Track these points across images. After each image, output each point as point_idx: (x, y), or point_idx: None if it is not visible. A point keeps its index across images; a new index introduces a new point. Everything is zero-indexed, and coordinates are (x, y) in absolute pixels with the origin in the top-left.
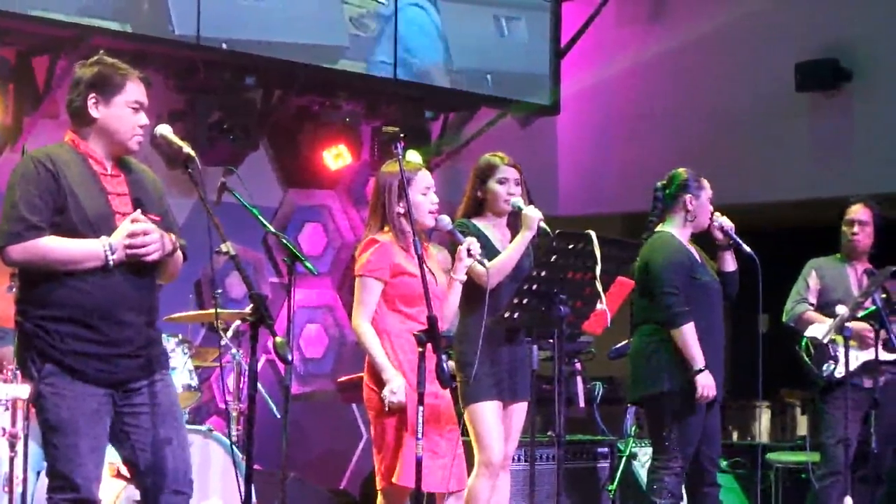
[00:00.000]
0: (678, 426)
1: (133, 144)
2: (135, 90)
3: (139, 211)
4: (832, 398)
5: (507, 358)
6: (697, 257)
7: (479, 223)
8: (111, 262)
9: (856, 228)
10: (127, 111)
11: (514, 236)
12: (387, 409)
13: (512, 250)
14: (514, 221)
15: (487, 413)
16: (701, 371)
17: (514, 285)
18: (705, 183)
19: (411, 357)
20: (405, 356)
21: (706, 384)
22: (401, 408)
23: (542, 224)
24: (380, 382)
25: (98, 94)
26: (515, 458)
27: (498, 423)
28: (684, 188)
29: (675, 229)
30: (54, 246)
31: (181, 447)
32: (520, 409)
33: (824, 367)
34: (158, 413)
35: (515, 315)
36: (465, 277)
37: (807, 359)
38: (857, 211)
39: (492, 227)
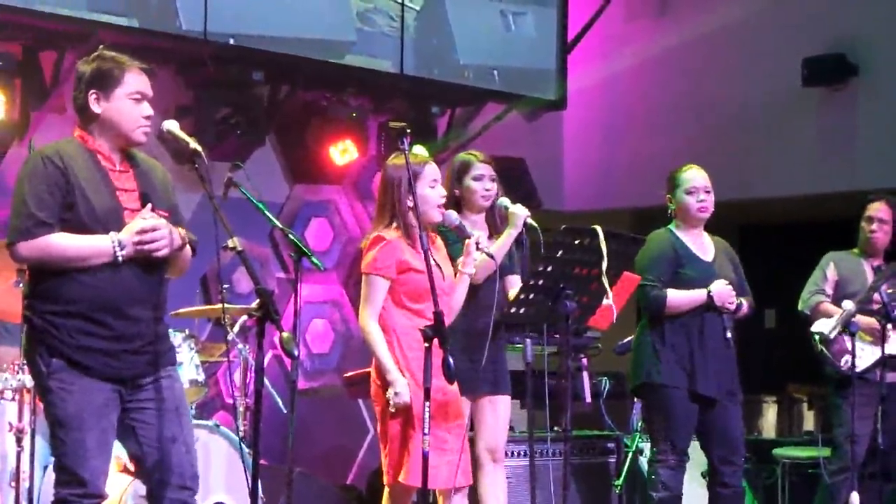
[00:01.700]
0: (663, 418)
1: (138, 136)
2: (134, 81)
3: (149, 207)
4: (847, 394)
5: (484, 353)
6: (702, 253)
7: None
8: (120, 259)
9: (875, 226)
10: (128, 103)
11: (491, 234)
12: (392, 409)
13: (497, 247)
14: (492, 220)
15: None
16: (709, 291)
17: (491, 284)
18: (683, 178)
19: (418, 354)
20: (412, 353)
21: (718, 291)
22: (406, 408)
23: (529, 220)
24: (386, 380)
25: (98, 90)
26: (518, 454)
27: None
28: (665, 187)
29: (674, 226)
30: (63, 243)
31: (187, 443)
32: (503, 402)
33: (842, 361)
34: (165, 409)
35: (521, 310)
36: (473, 271)
37: (826, 351)
38: (878, 208)
39: (471, 226)
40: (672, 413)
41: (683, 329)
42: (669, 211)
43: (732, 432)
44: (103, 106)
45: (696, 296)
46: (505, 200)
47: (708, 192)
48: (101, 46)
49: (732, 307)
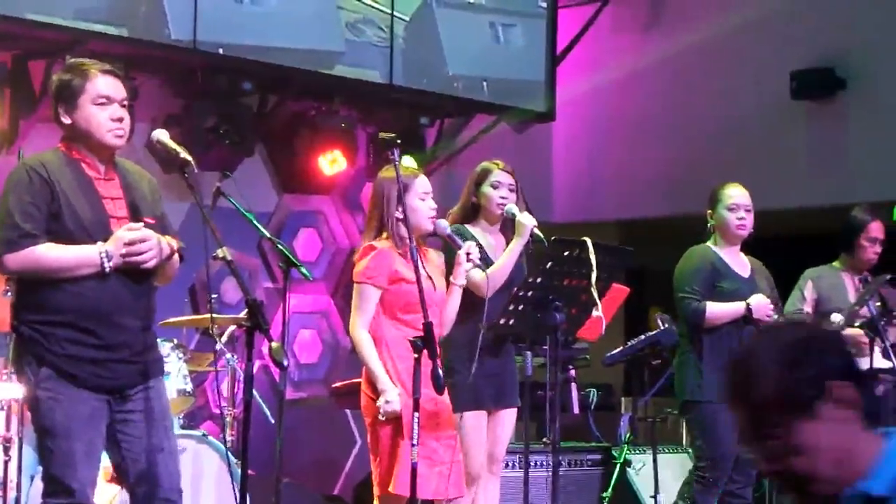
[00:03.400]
0: (705, 435)
1: (111, 139)
2: (98, 86)
3: (141, 223)
4: None
5: (492, 366)
6: (739, 269)
7: (472, 229)
8: (107, 269)
9: (877, 247)
10: (93, 109)
11: (507, 243)
12: (382, 417)
13: (506, 258)
14: (507, 229)
15: (470, 423)
16: (748, 304)
17: (502, 294)
18: (725, 194)
19: (409, 365)
20: (402, 364)
21: (756, 304)
22: (396, 417)
23: (536, 231)
24: (377, 390)
25: (63, 102)
26: (510, 464)
27: (480, 434)
28: (707, 202)
29: (713, 242)
30: (49, 254)
31: (171, 455)
32: (508, 415)
33: None
34: (151, 421)
35: (511, 322)
36: (465, 282)
37: None
38: (878, 228)
39: (485, 234)
40: (714, 430)
41: (723, 343)
42: (709, 226)
43: None
44: (72, 117)
45: (735, 308)
46: (513, 208)
47: (749, 211)
48: (67, 57)
49: (771, 321)
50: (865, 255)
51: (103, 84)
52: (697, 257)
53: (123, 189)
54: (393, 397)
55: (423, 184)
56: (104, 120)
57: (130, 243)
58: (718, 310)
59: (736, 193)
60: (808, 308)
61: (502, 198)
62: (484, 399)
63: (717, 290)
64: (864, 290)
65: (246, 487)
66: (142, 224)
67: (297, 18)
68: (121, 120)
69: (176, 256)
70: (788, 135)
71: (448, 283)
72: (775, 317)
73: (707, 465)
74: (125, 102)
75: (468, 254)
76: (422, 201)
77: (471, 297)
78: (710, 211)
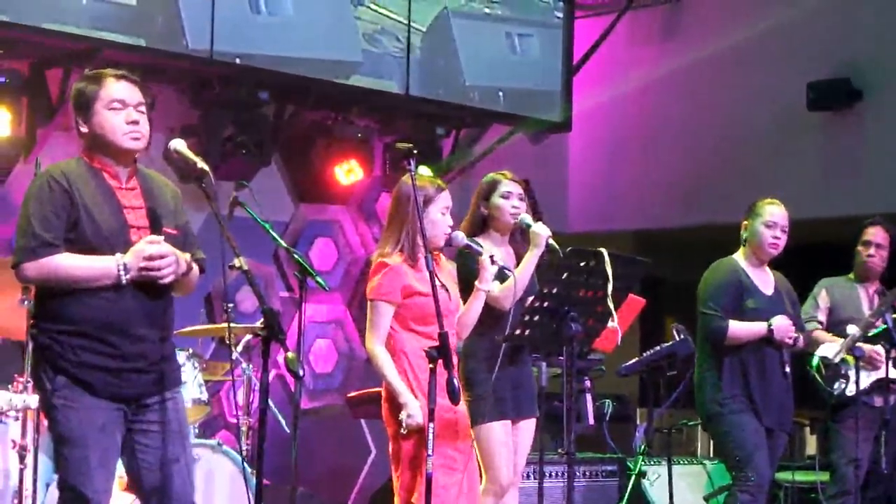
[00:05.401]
0: (732, 445)
1: (126, 142)
2: (111, 91)
3: (161, 236)
4: (843, 417)
5: (511, 376)
6: (763, 287)
7: (482, 241)
8: (124, 281)
9: (872, 251)
10: (108, 114)
11: (516, 254)
12: (404, 431)
13: (524, 269)
14: (516, 240)
15: (494, 433)
16: (770, 325)
17: (515, 306)
18: (765, 210)
19: (428, 376)
20: (423, 375)
21: (778, 325)
22: (419, 429)
23: (551, 241)
24: (397, 403)
25: (80, 111)
26: (525, 475)
27: (506, 444)
28: (745, 213)
29: (740, 255)
30: (68, 264)
31: (187, 468)
32: (526, 426)
33: (835, 386)
34: (167, 432)
35: (526, 332)
36: (489, 287)
37: (819, 378)
38: (875, 233)
39: (496, 246)
40: (738, 432)
41: (743, 362)
42: (743, 238)
43: (773, 464)
44: (88, 125)
45: (757, 328)
46: (527, 218)
47: (784, 231)
48: (86, 70)
49: (791, 342)
50: (860, 260)
51: (116, 88)
52: (725, 271)
53: (144, 198)
54: (415, 411)
55: (446, 199)
56: (119, 123)
57: (149, 258)
58: (740, 329)
59: (776, 211)
60: (821, 316)
61: (514, 207)
62: (507, 409)
63: (741, 308)
64: (880, 302)
65: (261, 497)
66: (162, 238)
67: (314, 29)
68: (136, 123)
69: (196, 269)
70: (805, 145)
71: (474, 289)
72: (795, 336)
73: (746, 471)
74: (141, 107)
75: (491, 256)
76: (442, 215)
77: (489, 310)
78: (745, 222)
